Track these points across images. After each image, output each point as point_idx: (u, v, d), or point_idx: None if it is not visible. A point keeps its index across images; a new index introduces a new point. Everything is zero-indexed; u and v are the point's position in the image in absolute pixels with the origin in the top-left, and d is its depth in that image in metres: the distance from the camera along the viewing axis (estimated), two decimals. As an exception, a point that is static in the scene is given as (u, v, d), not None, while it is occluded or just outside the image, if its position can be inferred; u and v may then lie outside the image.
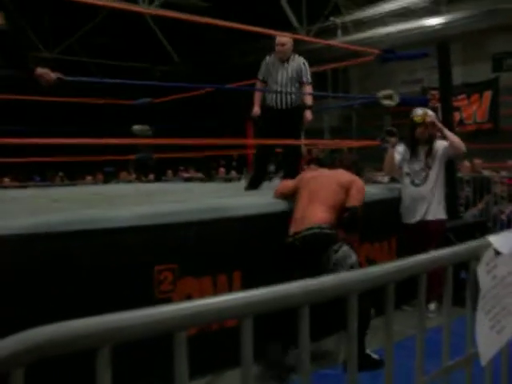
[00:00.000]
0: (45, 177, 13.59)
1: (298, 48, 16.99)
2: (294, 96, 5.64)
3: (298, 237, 3.83)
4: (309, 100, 5.67)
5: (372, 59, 6.51)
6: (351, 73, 17.74)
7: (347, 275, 1.36)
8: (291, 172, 5.45)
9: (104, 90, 8.24)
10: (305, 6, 15.77)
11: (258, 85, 5.85)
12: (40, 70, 3.60)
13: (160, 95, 8.14)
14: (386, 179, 8.95)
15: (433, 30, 13.32)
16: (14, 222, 3.05)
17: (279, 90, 5.61)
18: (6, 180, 11.34)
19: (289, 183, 4.49)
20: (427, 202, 5.19)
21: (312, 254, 3.80)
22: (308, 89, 5.67)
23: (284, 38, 5.69)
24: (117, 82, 5.24)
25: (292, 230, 3.92)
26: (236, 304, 1.12)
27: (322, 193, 4.05)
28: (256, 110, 5.80)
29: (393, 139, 5.45)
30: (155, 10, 13.08)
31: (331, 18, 16.06)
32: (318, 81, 18.58)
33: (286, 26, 14.99)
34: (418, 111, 5.34)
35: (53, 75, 3.64)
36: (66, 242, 3.11)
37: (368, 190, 4.38)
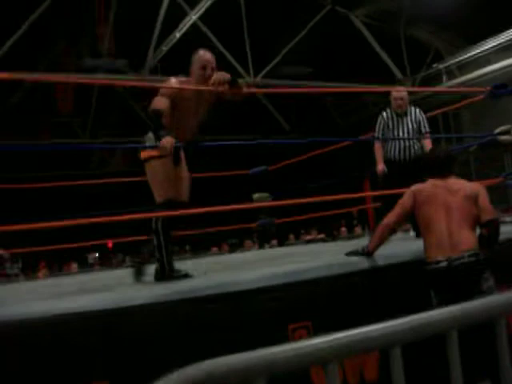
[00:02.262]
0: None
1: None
2: (416, 147, 5.60)
3: (455, 264, 3.61)
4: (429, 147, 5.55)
5: (483, 98, 6.37)
6: (462, 117, 17.33)
7: (495, 298, 1.32)
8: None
9: (221, 162, 8.54)
10: (406, 57, 15.77)
11: (377, 143, 5.78)
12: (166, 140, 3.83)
13: (274, 162, 8.35)
14: (512, 219, 8.55)
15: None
16: (148, 292, 3.22)
17: (400, 143, 5.58)
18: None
19: (404, 205, 3.97)
20: None
21: (466, 282, 3.61)
22: (428, 137, 5.63)
23: (402, 92, 5.71)
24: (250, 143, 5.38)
25: (439, 254, 3.69)
26: (383, 333, 1.13)
27: (458, 211, 3.78)
28: (381, 166, 5.70)
29: None
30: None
31: (434, 65, 15.93)
32: (429, 129, 18.35)
33: (390, 79, 15.04)
34: None
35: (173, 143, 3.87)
36: (199, 306, 3.22)
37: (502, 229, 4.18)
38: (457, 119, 17.39)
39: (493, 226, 3.77)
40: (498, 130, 5.83)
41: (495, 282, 3.73)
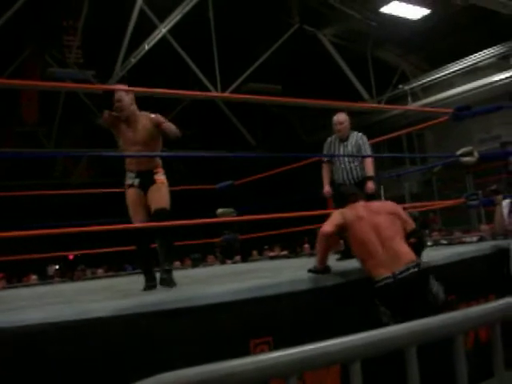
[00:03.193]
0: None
1: (371, 119, 17.31)
2: (359, 169, 5.83)
3: (401, 276, 3.71)
4: (369, 171, 5.83)
5: (447, 119, 6.50)
6: (426, 138, 17.61)
7: (454, 315, 1.34)
8: None
9: (187, 176, 8.53)
10: (373, 78, 15.98)
11: (324, 166, 6.08)
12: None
13: (240, 177, 8.35)
14: (474, 239, 8.73)
15: (503, 84, 13.23)
16: (111, 305, 3.18)
17: (342, 167, 5.85)
18: (100, 271, 11.70)
19: (336, 218, 4.10)
20: None
21: (416, 291, 3.73)
22: (368, 161, 5.84)
23: (341, 117, 5.94)
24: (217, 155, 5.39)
25: (384, 272, 3.79)
26: (343, 348, 1.14)
27: (388, 229, 3.94)
28: (327, 189, 6.01)
29: (498, 197, 5.43)
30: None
31: (400, 86, 16.19)
32: (394, 149, 18.61)
33: (357, 98, 15.21)
34: None
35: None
36: (160, 320, 3.19)
37: (458, 249, 4.28)
38: (421, 140, 17.68)
39: (419, 234, 4.04)
40: (460, 152, 5.93)
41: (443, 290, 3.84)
